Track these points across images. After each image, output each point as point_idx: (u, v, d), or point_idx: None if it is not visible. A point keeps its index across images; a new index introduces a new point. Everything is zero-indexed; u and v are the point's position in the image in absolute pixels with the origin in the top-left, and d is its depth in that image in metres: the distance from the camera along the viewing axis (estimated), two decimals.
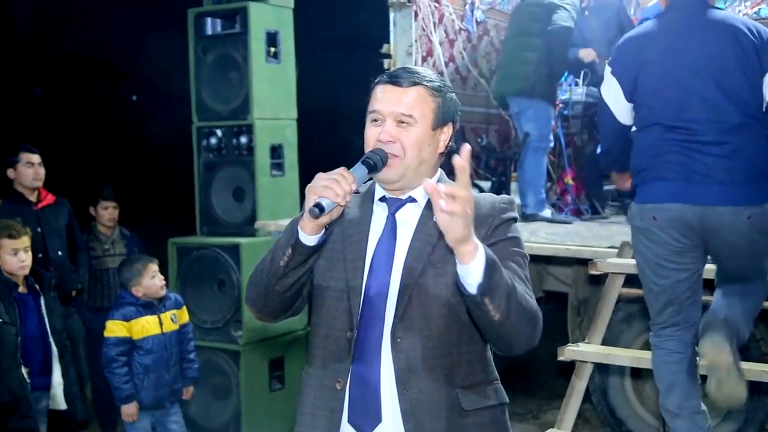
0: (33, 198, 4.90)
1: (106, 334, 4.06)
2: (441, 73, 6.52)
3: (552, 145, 6.03)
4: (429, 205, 1.98)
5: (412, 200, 2.01)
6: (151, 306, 4.14)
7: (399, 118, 1.94)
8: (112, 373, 4.02)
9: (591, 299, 4.83)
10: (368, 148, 1.96)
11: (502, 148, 7.04)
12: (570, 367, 3.81)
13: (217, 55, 5.15)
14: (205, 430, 4.99)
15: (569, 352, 3.72)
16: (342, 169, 1.85)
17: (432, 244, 1.93)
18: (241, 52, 5.04)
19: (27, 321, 3.91)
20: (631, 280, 3.95)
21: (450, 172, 1.82)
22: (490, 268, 1.74)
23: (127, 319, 4.06)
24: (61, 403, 4.03)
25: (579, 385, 3.74)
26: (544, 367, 6.46)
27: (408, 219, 2.00)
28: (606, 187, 6.86)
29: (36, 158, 4.88)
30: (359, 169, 1.89)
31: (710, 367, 3.15)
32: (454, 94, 2.04)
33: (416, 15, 6.22)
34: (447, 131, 2.02)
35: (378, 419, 1.93)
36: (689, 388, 3.27)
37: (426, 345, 1.91)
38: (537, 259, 5.33)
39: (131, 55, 9.64)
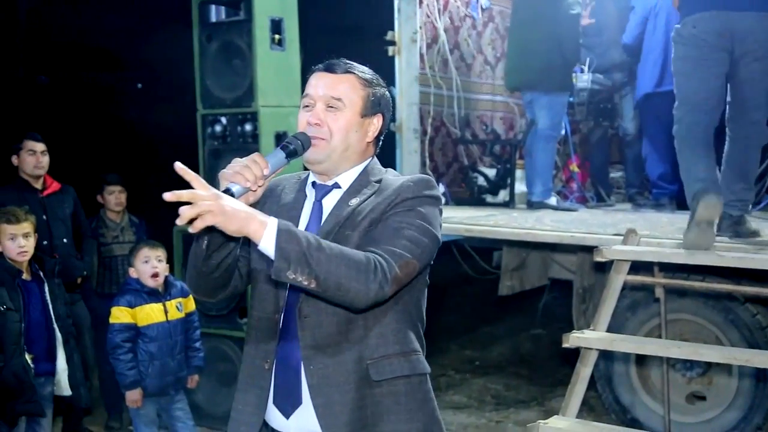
0: (38, 185, 4.91)
1: (111, 320, 4.05)
2: (446, 60, 6.49)
3: (563, 133, 6.01)
4: (349, 190, 2.04)
5: (338, 186, 2.06)
6: (156, 294, 4.14)
7: (329, 102, 2.01)
8: (117, 360, 4.02)
9: (596, 286, 4.83)
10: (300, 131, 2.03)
11: (507, 135, 7.02)
12: (575, 354, 3.81)
13: (221, 43, 5.12)
14: (210, 416, 5.00)
15: (574, 339, 3.72)
16: (256, 155, 1.91)
17: (339, 225, 1.97)
18: (246, 40, 5.01)
19: (31, 308, 3.91)
20: (636, 268, 3.94)
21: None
22: (282, 239, 1.74)
23: (131, 305, 4.05)
24: (65, 389, 4.05)
25: (584, 373, 3.74)
26: (548, 354, 6.47)
27: (332, 205, 2.04)
28: (611, 175, 6.85)
29: (39, 146, 4.87)
30: (276, 154, 1.93)
31: (698, 221, 3.55)
32: (387, 91, 2.11)
33: (421, 2, 6.19)
34: (377, 123, 2.08)
35: (298, 401, 1.97)
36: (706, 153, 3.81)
37: (332, 321, 1.94)
38: (542, 247, 5.33)
39: (136, 43, 9.62)
